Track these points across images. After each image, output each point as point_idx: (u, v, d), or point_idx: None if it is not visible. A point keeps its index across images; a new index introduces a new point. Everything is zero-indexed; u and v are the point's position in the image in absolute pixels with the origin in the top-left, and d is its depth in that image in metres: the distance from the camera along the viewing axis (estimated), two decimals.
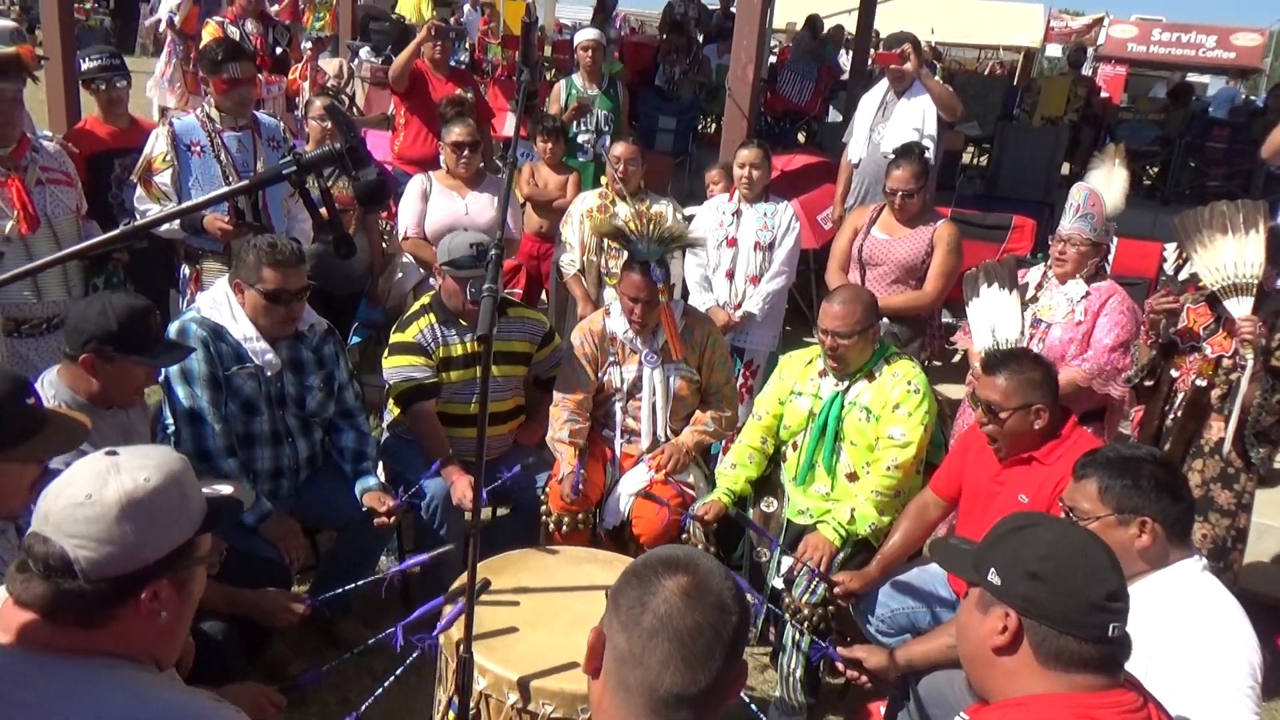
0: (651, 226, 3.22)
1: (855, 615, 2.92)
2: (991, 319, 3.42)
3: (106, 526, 1.30)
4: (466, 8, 11.76)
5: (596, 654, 1.20)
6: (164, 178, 3.65)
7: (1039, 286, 3.46)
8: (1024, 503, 2.54)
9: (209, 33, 5.87)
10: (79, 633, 1.32)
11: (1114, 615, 1.40)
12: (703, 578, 1.18)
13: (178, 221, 3.61)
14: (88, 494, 1.31)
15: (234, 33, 5.82)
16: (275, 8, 8.12)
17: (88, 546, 1.30)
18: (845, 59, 12.40)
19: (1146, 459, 2.01)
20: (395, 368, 3.26)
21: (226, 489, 1.54)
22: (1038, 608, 1.40)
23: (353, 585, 2.64)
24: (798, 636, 2.86)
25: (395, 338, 3.31)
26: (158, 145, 3.66)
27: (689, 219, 4.54)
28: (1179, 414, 3.09)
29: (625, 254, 3.30)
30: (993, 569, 1.47)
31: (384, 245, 4.74)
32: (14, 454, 1.80)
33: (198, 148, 3.67)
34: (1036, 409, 2.56)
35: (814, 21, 11.01)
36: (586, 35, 5.95)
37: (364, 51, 8.40)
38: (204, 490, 1.47)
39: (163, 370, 2.79)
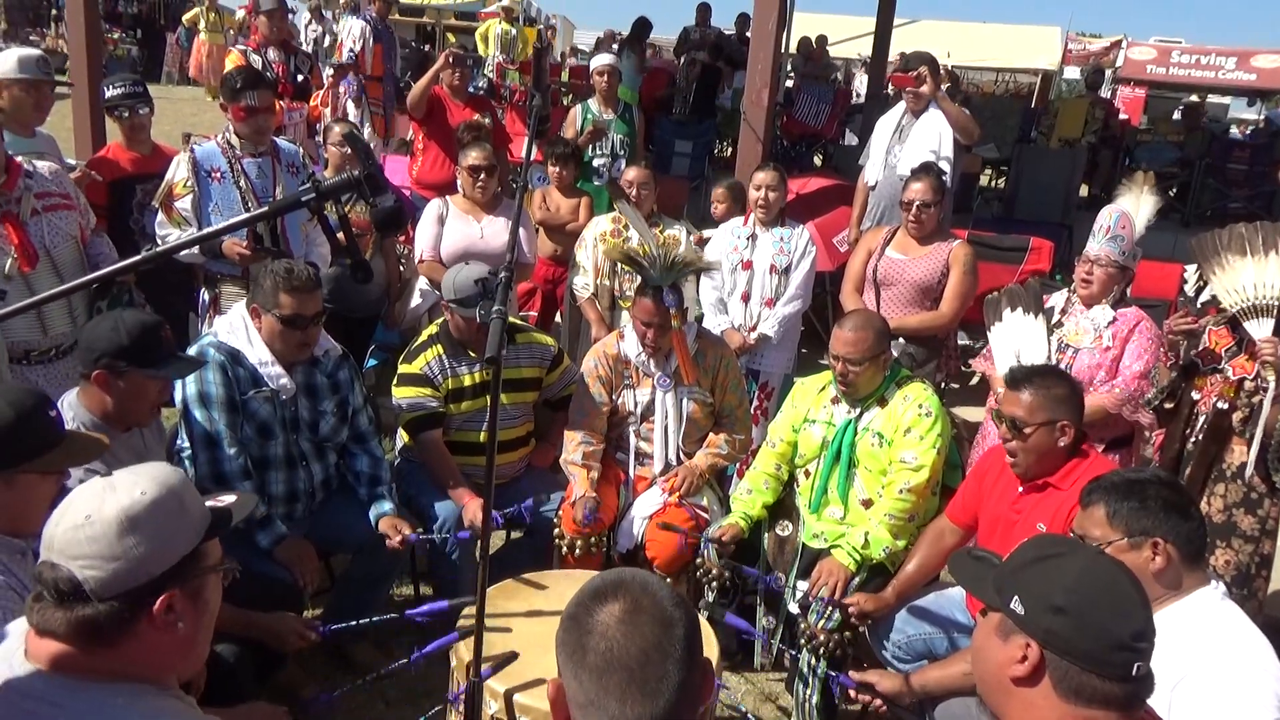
0: (664, 252, 3.22)
1: (871, 641, 2.88)
2: (1016, 344, 3.37)
3: (109, 544, 1.32)
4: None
5: (560, 707, 1.16)
6: (184, 203, 3.69)
7: (1064, 311, 3.41)
8: (1041, 531, 2.50)
9: (232, 60, 5.98)
10: (101, 653, 1.34)
11: (1139, 655, 1.35)
12: (635, 598, 1.13)
13: (197, 247, 3.66)
14: (86, 515, 1.34)
15: (256, 61, 5.93)
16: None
17: (94, 566, 1.31)
18: (859, 80, 12.47)
19: (1151, 480, 1.98)
20: (403, 398, 3.28)
21: (229, 498, 1.55)
22: (1061, 642, 1.35)
23: (366, 621, 2.62)
24: (814, 663, 2.83)
25: (403, 369, 3.32)
26: (179, 171, 3.71)
27: (705, 241, 4.55)
28: (1200, 437, 3.04)
29: (639, 278, 3.31)
30: (1016, 597, 1.41)
31: (401, 269, 4.78)
32: (36, 465, 1.84)
33: (218, 174, 3.72)
34: (1061, 425, 2.52)
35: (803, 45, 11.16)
36: (602, 60, 6.00)
37: None
38: (207, 503, 1.48)
39: (180, 394, 2.81)
